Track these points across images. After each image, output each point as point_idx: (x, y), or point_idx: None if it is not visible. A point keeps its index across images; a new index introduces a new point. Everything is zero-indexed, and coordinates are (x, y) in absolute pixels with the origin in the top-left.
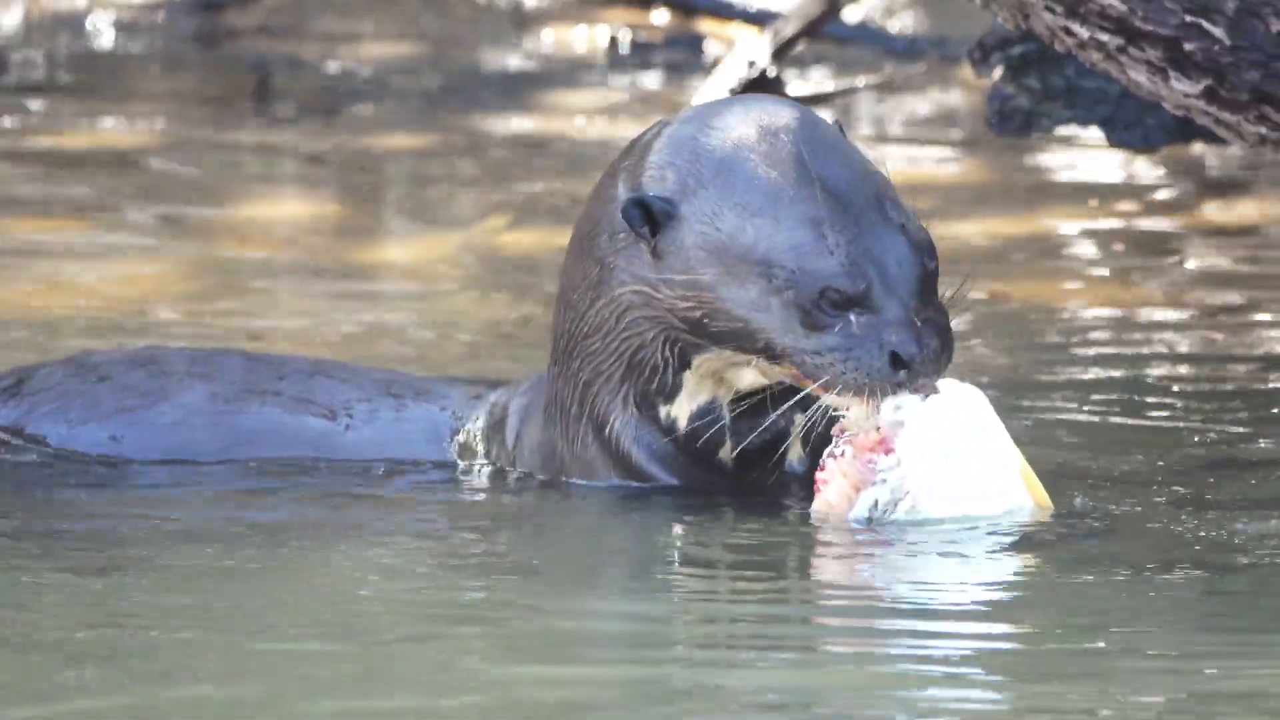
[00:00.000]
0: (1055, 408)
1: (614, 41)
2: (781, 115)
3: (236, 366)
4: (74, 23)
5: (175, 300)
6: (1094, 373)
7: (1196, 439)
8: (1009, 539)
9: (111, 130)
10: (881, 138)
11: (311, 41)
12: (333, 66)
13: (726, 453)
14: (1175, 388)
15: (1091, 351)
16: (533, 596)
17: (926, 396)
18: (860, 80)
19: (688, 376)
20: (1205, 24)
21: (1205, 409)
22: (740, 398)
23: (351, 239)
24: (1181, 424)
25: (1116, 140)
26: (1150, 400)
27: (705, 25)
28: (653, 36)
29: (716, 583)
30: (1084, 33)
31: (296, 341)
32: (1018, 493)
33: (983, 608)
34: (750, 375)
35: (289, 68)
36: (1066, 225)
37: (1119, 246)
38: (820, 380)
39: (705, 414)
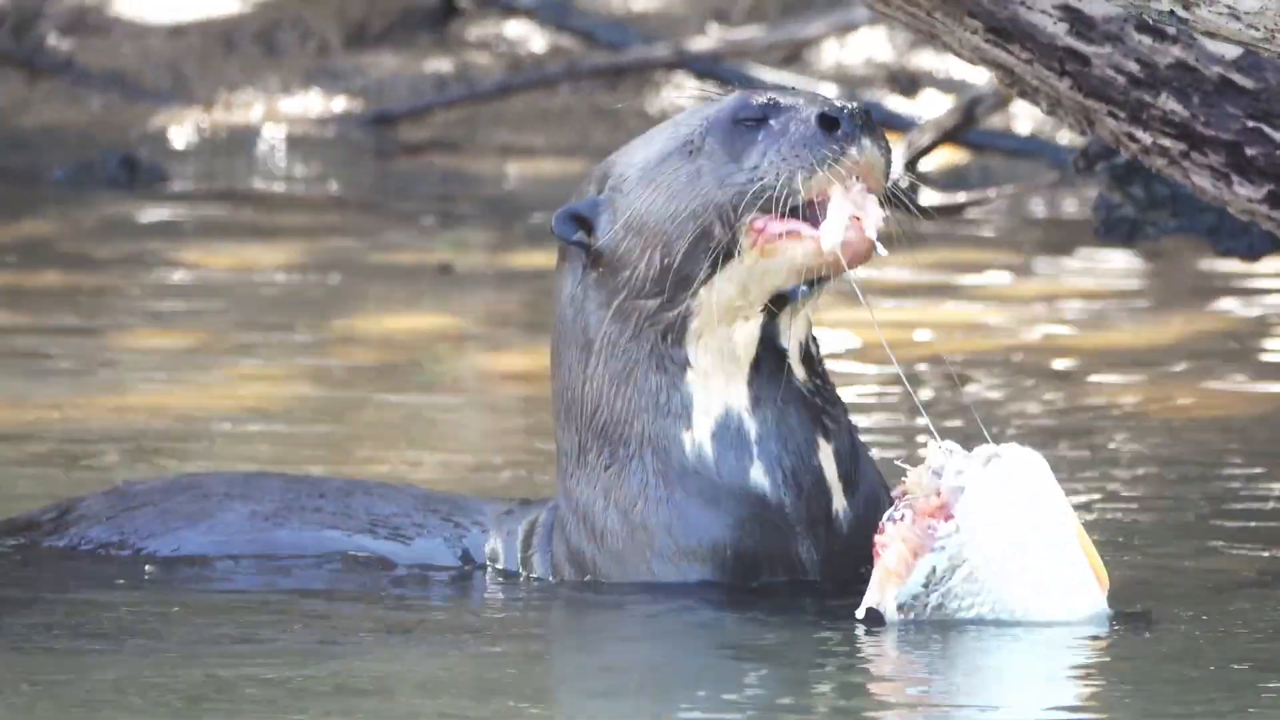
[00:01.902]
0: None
1: None
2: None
3: (275, 487)
4: (247, 137)
5: (276, 411)
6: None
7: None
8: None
9: (263, 245)
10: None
11: (483, 155)
12: (502, 181)
13: (758, 472)
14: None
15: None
16: (576, 709)
17: (989, 461)
18: (992, 191)
19: (693, 381)
20: (1267, 129)
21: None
22: (758, 402)
23: (469, 348)
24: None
25: (1222, 249)
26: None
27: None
28: None
29: (760, 689)
30: (1147, 138)
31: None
32: (1078, 564)
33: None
34: (741, 331)
35: (460, 182)
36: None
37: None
38: (772, 188)
39: (725, 429)
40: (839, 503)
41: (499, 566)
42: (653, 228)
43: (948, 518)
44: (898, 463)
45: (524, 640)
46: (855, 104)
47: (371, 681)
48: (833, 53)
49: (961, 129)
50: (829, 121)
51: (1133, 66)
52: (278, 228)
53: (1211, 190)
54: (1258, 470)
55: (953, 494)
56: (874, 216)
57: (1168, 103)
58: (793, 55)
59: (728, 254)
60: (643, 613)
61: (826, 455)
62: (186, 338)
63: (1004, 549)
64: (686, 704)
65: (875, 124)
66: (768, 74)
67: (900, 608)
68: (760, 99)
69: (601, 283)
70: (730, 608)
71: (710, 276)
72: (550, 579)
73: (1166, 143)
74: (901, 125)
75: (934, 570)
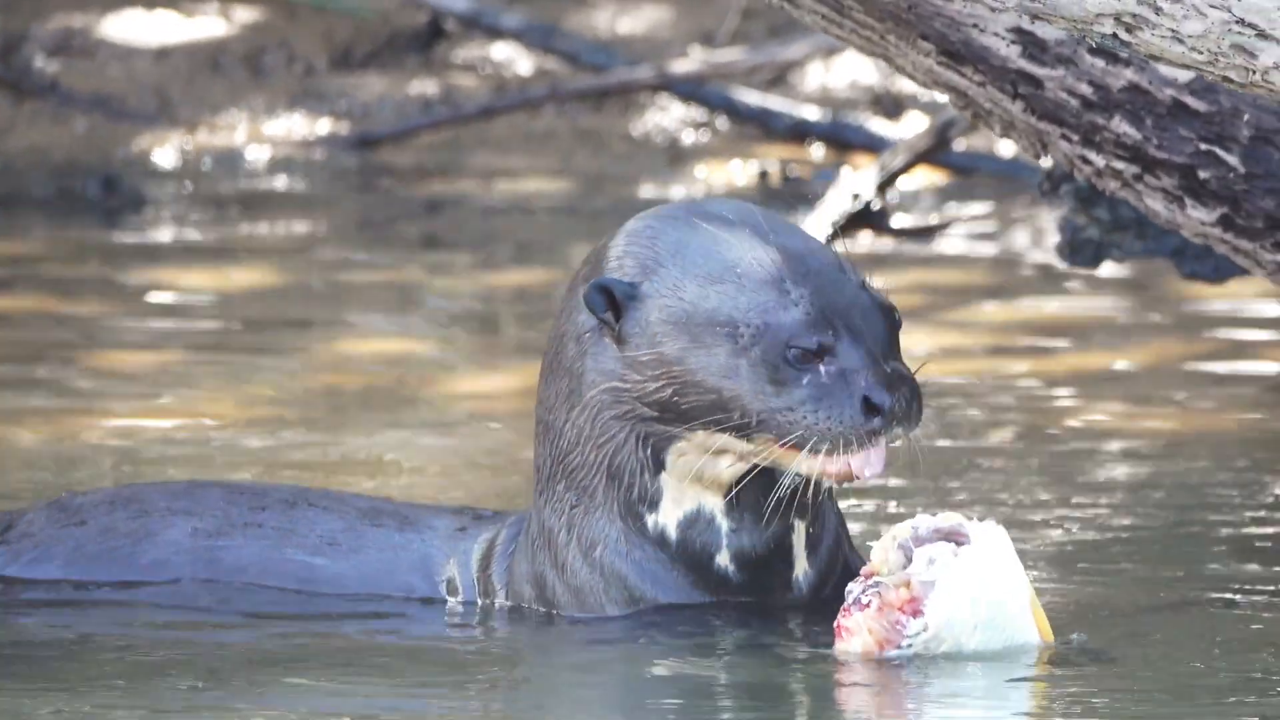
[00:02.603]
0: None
1: (764, 176)
2: (732, 202)
3: (217, 500)
4: (230, 158)
5: (255, 428)
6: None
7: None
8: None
9: (243, 266)
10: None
11: (467, 176)
12: (486, 202)
13: (724, 559)
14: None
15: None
16: None
17: (959, 550)
18: (965, 213)
19: (666, 480)
20: (1220, 152)
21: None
22: (734, 505)
23: (440, 372)
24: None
25: (1187, 271)
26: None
27: (860, 159)
28: (803, 171)
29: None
30: (1100, 161)
31: (358, 471)
32: (1028, 634)
33: None
34: (727, 464)
35: (442, 206)
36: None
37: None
38: (795, 436)
39: (695, 521)
40: (800, 569)
41: (451, 585)
42: (677, 374)
43: (916, 613)
44: (869, 540)
45: (475, 668)
46: (906, 389)
47: (304, 706)
48: (817, 75)
49: (934, 151)
50: (872, 407)
51: (1085, 89)
52: (259, 249)
53: (1165, 213)
54: (1228, 493)
55: (923, 588)
56: (877, 462)
57: (1120, 125)
58: (777, 78)
59: (738, 433)
60: (601, 643)
61: (799, 533)
62: (161, 359)
63: (968, 639)
64: None
65: (916, 408)
66: (752, 96)
67: None
68: (818, 332)
69: (612, 353)
70: (690, 646)
71: (714, 432)
72: (508, 600)
73: (1119, 165)
74: (884, 148)
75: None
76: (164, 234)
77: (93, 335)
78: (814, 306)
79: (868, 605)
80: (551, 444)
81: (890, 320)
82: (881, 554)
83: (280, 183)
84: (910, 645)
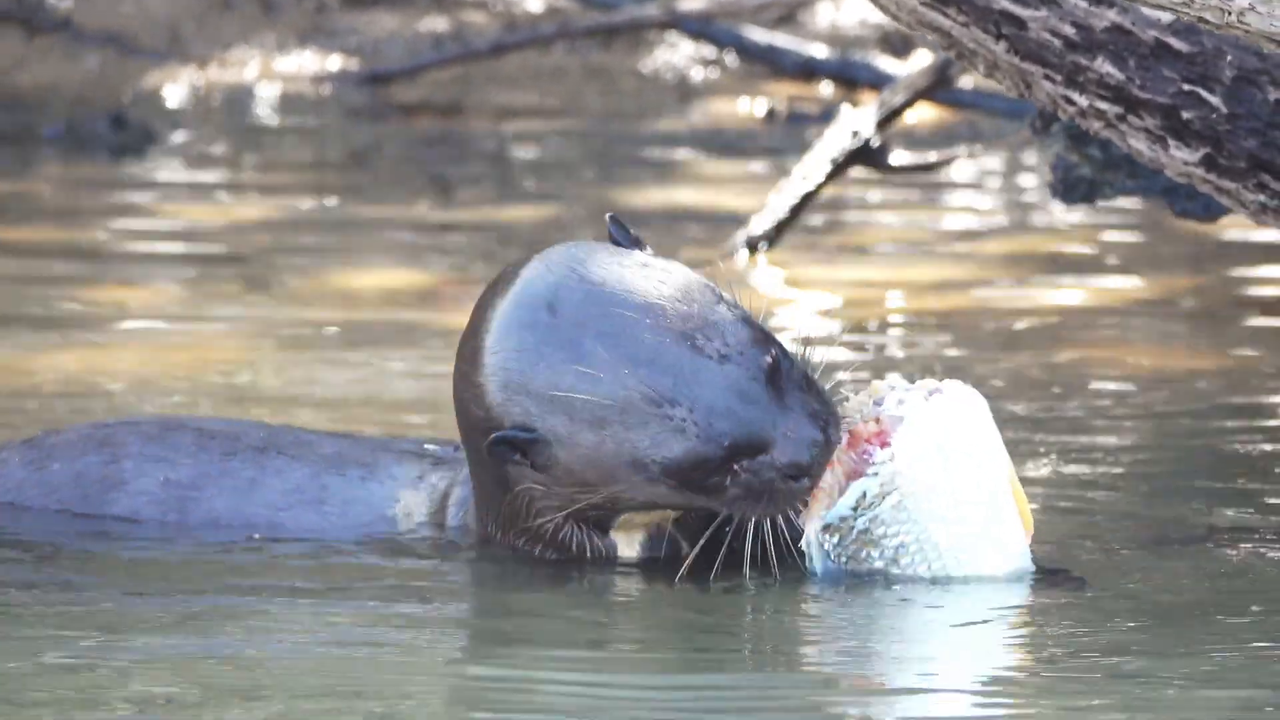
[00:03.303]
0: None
1: (771, 113)
2: (574, 295)
3: (189, 447)
4: (240, 95)
5: (262, 362)
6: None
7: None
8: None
9: (249, 201)
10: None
11: (477, 114)
12: (495, 139)
13: (688, 549)
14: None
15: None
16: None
17: (930, 395)
18: (962, 149)
19: (616, 535)
20: (1203, 92)
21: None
22: (688, 517)
23: (436, 307)
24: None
25: (1179, 209)
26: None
27: (868, 98)
28: (810, 109)
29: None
30: (1084, 101)
31: (346, 406)
32: (1006, 511)
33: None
34: (675, 513)
35: (451, 142)
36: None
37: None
38: (737, 517)
39: (655, 537)
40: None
41: (407, 532)
42: (605, 492)
43: (884, 444)
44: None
45: (438, 601)
46: (812, 426)
47: (274, 659)
48: (827, 13)
49: (935, 89)
50: (798, 470)
51: (1068, 30)
52: (268, 185)
53: (1148, 153)
54: (1221, 426)
55: (891, 422)
56: (851, 493)
57: (1104, 66)
58: (786, 15)
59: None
60: (568, 578)
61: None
62: (168, 292)
63: (935, 483)
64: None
65: (832, 428)
66: (761, 34)
67: (826, 528)
68: (716, 445)
69: (537, 475)
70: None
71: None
72: (467, 541)
73: (1103, 106)
74: (874, 83)
75: (864, 495)
76: (173, 170)
77: (99, 268)
78: (701, 420)
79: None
80: (485, 504)
81: (761, 366)
82: (856, 404)
83: (291, 119)
84: (876, 473)
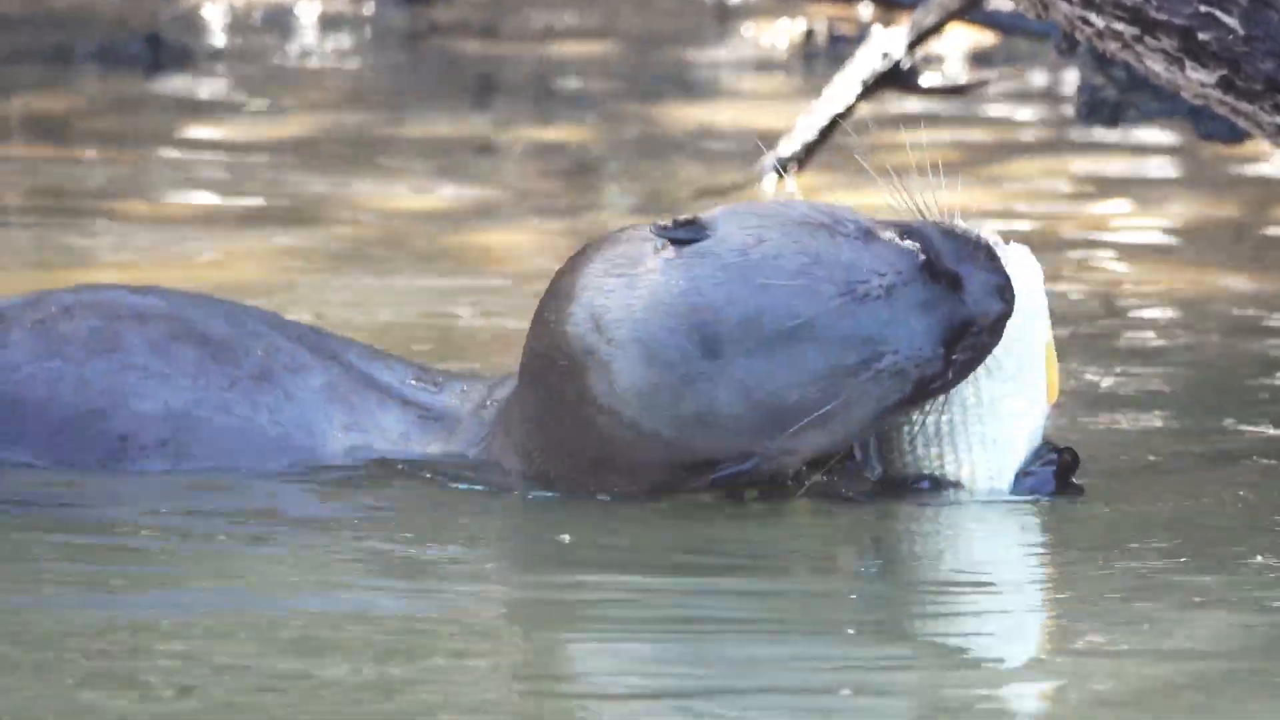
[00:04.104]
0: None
1: (810, 35)
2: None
3: (190, 363)
4: (279, 14)
5: (296, 281)
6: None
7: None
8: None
9: (286, 122)
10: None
11: (515, 35)
12: (533, 60)
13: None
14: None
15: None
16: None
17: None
18: (994, 72)
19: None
20: (1219, 13)
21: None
22: None
23: (466, 227)
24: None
25: (1203, 132)
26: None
27: (906, 19)
28: (849, 30)
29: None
30: (1100, 22)
31: (399, 331)
32: (1036, 373)
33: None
34: None
35: (490, 64)
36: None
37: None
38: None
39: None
40: None
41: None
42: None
43: None
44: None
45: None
46: (994, 275)
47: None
48: None
49: (966, 10)
50: (1001, 316)
51: None
52: (306, 105)
53: (1165, 75)
54: (1262, 349)
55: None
56: None
57: None
58: None
59: None
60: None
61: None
62: (202, 211)
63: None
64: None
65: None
66: None
67: None
68: (937, 352)
69: None
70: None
71: None
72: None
73: (1119, 27)
74: (914, 5)
75: None
76: (209, 89)
77: (133, 185)
78: (911, 354)
79: None
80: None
81: (921, 256)
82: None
83: (329, 40)
84: None
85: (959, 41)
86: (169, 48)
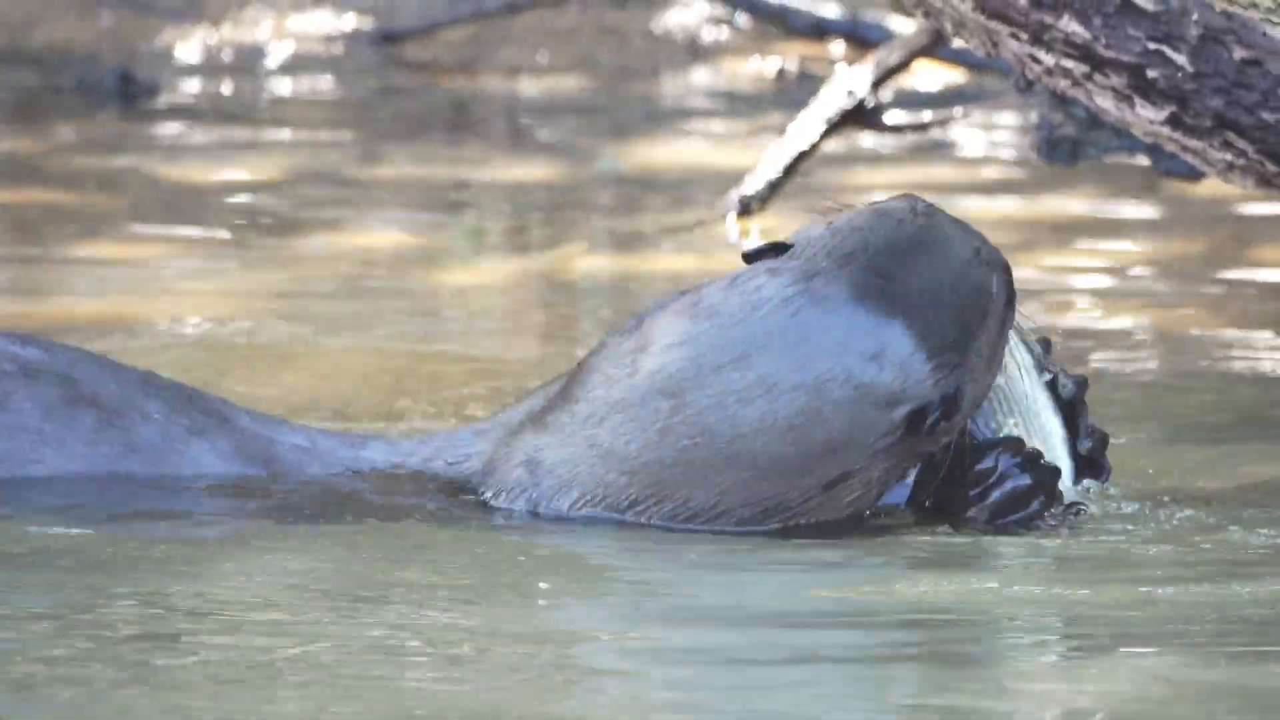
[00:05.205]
0: None
1: (781, 73)
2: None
3: (88, 430)
4: (252, 53)
5: (267, 320)
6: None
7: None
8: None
9: (257, 161)
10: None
11: (490, 73)
12: (508, 99)
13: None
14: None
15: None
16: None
17: None
18: (957, 110)
19: None
20: (1168, 51)
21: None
22: None
23: (431, 265)
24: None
25: (1162, 169)
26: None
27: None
28: (820, 69)
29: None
30: (1050, 60)
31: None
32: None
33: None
34: None
35: (464, 102)
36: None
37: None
38: None
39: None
40: None
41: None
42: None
43: None
44: None
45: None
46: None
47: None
48: None
49: (932, 48)
50: None
51: None
52: (279, 144)
53: (1114, 112)
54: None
55: None
56: None
57: (1069, 24)
58: None
59: None
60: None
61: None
62: (174, 250)
63: None
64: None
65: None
66: None
67: None
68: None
69: None
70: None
71: None
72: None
73: (1069, 64)
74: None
75: None
76: (182, 128)
77: (103, 225)
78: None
79: None
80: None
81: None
82: None
83: (303, 79)
84: None
85: (928, 79)
86: (140, 85)
